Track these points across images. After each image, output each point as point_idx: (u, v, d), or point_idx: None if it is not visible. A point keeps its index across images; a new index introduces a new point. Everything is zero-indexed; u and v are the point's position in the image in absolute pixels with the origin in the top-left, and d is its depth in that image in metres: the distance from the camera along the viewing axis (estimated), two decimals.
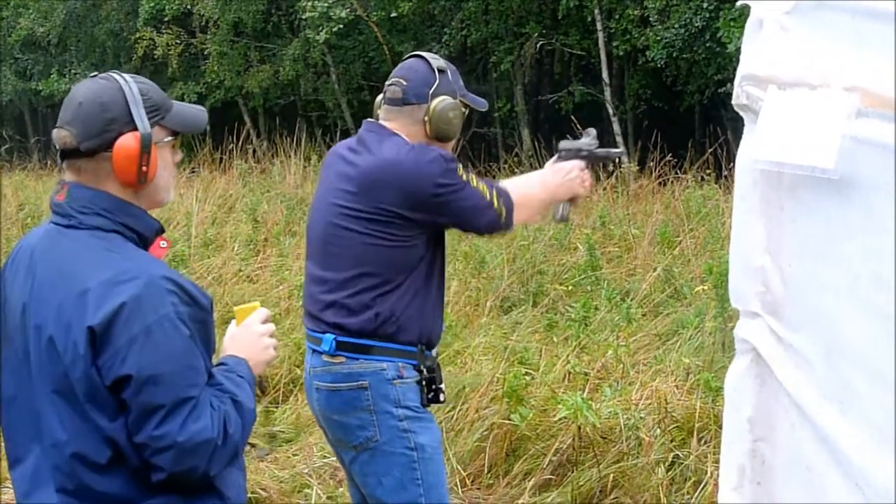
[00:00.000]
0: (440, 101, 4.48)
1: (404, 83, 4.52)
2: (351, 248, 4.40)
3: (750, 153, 3.53)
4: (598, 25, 19.84)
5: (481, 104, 4.82)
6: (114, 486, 3.07)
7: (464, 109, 4.62)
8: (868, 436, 3.39)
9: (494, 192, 4.46)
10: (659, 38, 17.82)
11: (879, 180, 3.23)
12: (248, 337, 3.45)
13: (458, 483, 6.65)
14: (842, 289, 3.39)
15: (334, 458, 6.72)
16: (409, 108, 4.50)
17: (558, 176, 4.74)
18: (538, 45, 21.22)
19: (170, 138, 3.28)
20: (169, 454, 2.99)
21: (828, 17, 3.40)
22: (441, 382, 4.59)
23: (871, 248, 3.27)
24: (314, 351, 4.52)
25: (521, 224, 4.88)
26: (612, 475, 6.52)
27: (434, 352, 4.65)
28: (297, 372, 8.41)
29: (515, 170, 17.51)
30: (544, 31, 21.04)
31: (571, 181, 4.75)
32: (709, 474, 6.18)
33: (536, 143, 19.04)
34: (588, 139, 4.90)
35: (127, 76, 3.24)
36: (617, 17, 19.42)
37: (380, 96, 4.74)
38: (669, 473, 6.50)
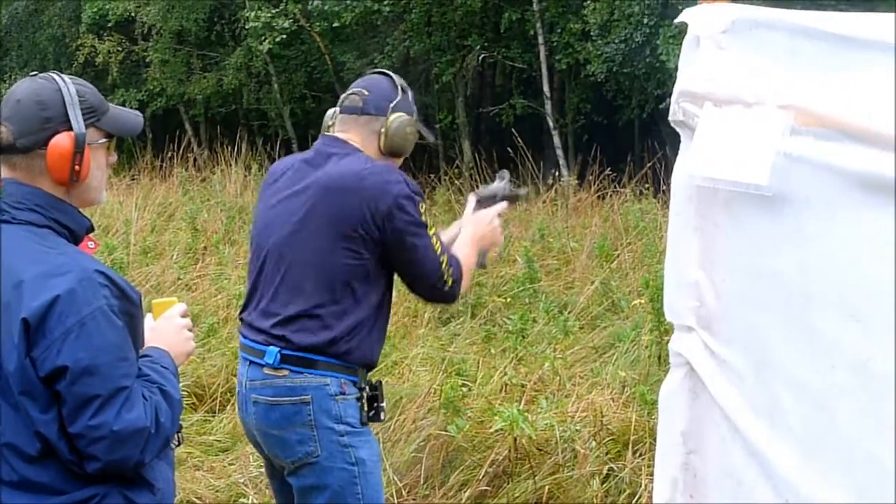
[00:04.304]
0: (399, 117, 4.46)
1: (365, 93, 4.49)
2: (309, 264, 4.34)
3: (685, 169, 3.57)
4: (540, 39, 19.90)
5: (431, 137, 4.95)
6: (47, 477, 3.09)
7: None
8: (795, 450, 3.44)
9: (447, 256, 4.45)
10: (600, 52, 17.89)
11: (812, 197, 3.27)
12: (170, 329, 3.48)
13: (395, 494, 6.64)
14: (773, 304, 3.43)
15: None
16: (365, 118, 4.48)
17: (480, 227, 4.78)
18: (480, 58, 21.27)
19: (104, 140, 3.31)
20: (104, 443, 3.02)
21: (764, 36, 3.45)
22: (383, 401, 4.56)
23: (802, 264, 3.32)
24: (252, 363, 4.43)
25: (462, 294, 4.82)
26: (547, 487, 6.54)
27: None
28: (235, 381, 8.37)
29: (455, 181, 17.54)
30: (486, 44, 21.09)
31: (494, 231, 4.81)
32: (643, 487, 6.21)
33: (477, 156, 19.06)
34: (502, 182, 5.02)
35: (66, 77, 3.27)
36: (559, 30, 19.48)
37: (331, 110, 4.72)
38: (604, 486, 6.53)
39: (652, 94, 18.40)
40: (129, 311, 3.19)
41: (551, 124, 20.18)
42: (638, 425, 6.87)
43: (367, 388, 4.46)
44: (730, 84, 3.45)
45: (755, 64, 3.43)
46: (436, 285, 4.43)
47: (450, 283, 4.41)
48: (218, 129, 23.12)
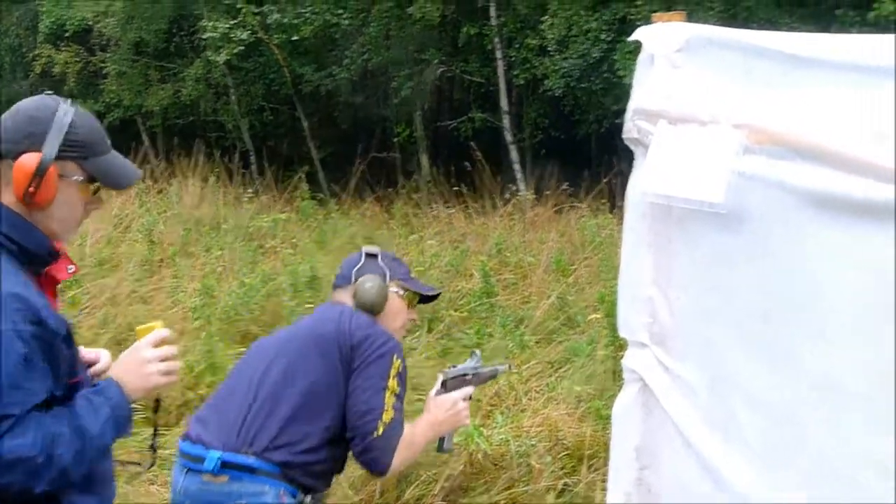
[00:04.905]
0: (362, 279, 4.55)
1: (337, 271, 4.71)
2: (294, 375, 4.32)
3: (639, 186, 3.59)
4: (498, 54, 19.92)
5: (428, 290, 4.86)
6: None
7: (398, 291, 4.64)
8: (749, 463, 3.46)
9: (392, 419, 4.30)
10: (557, 67, 17.95)
11: (766, 215, 3.30)
12: (131, 361, 3.35)
13: None
14: (727, 320, 3.46)
15: None
16: (341, 291, 4.63)
17: (440, 413, 4.61)
18: (438, 72, 21.29)
19: (81, 178, 3.21)
20: None
21: (718, 55, 3.48)
22: None
23: (755, 280, 3.35)
24: (189, 470, 4.27)
25: (403, 467, 4.58)
26: (502, 502, 6.54)
27: None
28: (189, 395, 8.33)
29: (413, 195, 17.55)
30: (445, 58, 21.11)
31: (456, 415, 4.64)
32: (598, 501, 6.23)
33: (435, 169, 19.10)
34: (472, 361, 4.82)
35: (75, 108, 3.23)
36: (517, 46, 19.52)
37: None
38: (559, 500, 6.54)
39: (609, 110, 18.44)
40: (45, 338, 3.07)
41: (509, 139, 20.20)
42: (593, 440, 6.89)
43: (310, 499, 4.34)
44: (684, 102, 3.48)
45: (709, 82, 3.46)
46: (364, 438, 4.26)
47: (379, 431, 4.24)
48: (175, 141, 22.96)
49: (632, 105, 3.63)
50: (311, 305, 10.40)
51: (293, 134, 23.77)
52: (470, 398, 4.72)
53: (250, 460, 4.17)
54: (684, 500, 3.71)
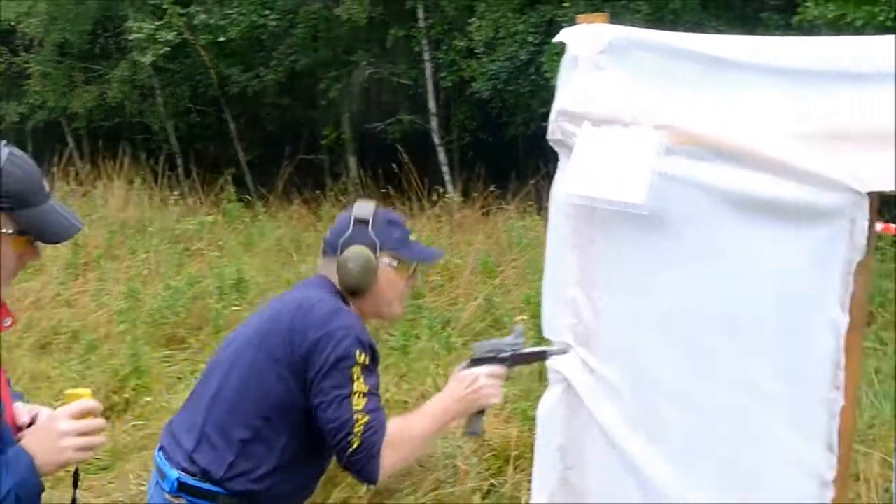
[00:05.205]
0: (347, 251, 4.00)
1: (326, 235, 4.15)
2: (247, 388, 3.90)
3: (563, 187, 3.60)
4: (426, 56, 19.93)
5: (426, 258, 4.26)
6: None
7: (392, 262, 4.03)
8: (671, 464, 3.49)
9: (367, 419, 3.79)
10: (485, 70, 17.97)
11: (687, 216, 3.33)
12: (45, 433, 2.99)
13: None
14: (650, 321, 3.48)
15: None
16: (326, 259, 4.08)
17: (458, 391, 3.95)
18: (367, 74, 21.25)
19: (11, 231, 2.99)
20: None
21: (640, 57, 3.50)
22: None
23: (677, 281, 3.37)
24: (157, 483, 4.01)
25: (401, 465, 4.07)
26: (429, 503, 6.55)
27: None
28: (115, 398, 8.29)
29: (341, 197, 17.51)
30: (373, 60, 21.07)
31: (476, 393, 3.93)
32: (524, 502, 6.25)
33: (363, 171, 19.03)
34: (512, 337, 3.98)
35: (15, 153, 3.03)
36: (444, 48, 19.51)
37: None
38: (485, 501, 6.55)
39: (537, 112, 18.47)
40: None
41: (437, 141, 20.20)
42: (519, 441, 6.90)
43: None
44: (607, 103, 3.49)
45: (631, 84, 3.48)
46: (337, 443, 3.78)
47: (355, 445, 3.75)
48: (100, 143, 22.74)
49: (556, 107, 3.64)
50: (238, 308, 10.38)
51: (220, 136, 23.61)
52: (502, 377, 3.96)
53: (206, 486, 3.87)
54: (608, 500, 3.73)
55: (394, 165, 16.90)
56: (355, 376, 3.79)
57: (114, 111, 24.34)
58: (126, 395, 8.29)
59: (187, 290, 10.92)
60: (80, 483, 3.33)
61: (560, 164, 3.67)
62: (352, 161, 21.50)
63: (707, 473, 3.40)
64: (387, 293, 4.07)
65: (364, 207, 4.11)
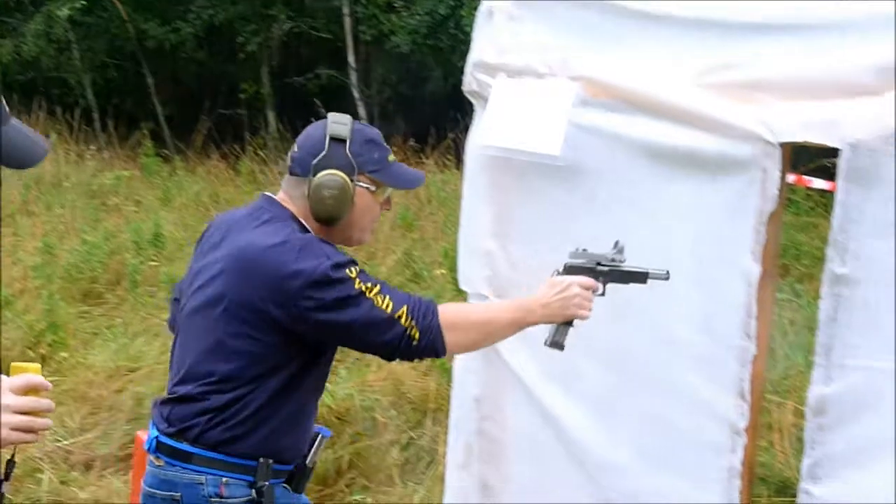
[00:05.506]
0: (321, 177, 3.57)
1: (295, 149, 3.74)
2: (203, 336, 3.61)
3: (479, 139, 3.60)
4: (346, 10, 19.81)
5: (407, 184, 3.69)
6: None
7: (369, 187, 3.56)
8: (590, 413, 3.52)
9: (406, 308, 3.43)
10: (404, 24, 17.91)
11: (602, 167, 3.35)
12: None
13: None
14: None
15: (67, 442, 6.58)
16: (295, 179, 3.66)
17: (549, 293, 3.52)
18: (286, 28, 21.10)
19: None
20: None
21: (555, 8, 3.50)
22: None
23: (594, 232, 3.38)
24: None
25: (466, 349, 3.62)
26: (347, 456, 6.54)
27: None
28: (31, 354, 8.20)
29: (259, 151, 17.40)
30: (292, 14, 20.91)
31: (566, 301, 3.50)
32: (441, 454, 6.27)
33: (282, 126, 18.91)
34: (613, 252, 3.49)
35: None
36: (364, 2, 19.43)
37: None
38: (404, 453, 6.57)
39: (456, 66, 18.42)
40: None
41: (356, 95, 20.12)
42: (437, 394, 6.92)
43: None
44: (522, 55, 3.49)
45: (547, 35, 3.48)
46: (399, 348, 3.45)
47: (416, 336, 3.41)
48: (15, 98, 22.44)
49: (471, 58, 3.64)
50: (156, 263, 10.31)
51: (138, 91, 23.33)
52: (595, 291, 3.48)
53: (182, 445, 3.58)
54: (526, 450, 3.76)
55: (313, 120, 16.70)
56: (361, 289, 3.42)
57: (29, 65, 24.03)
58: (42, 351, 8.20)
59: (104, 245, 10.81)
60: (10, 475, 2.82)
61: (476, 116, 3.67)
62: (271, 116, 21.34)
63: (623, 421, 3.44)
64: (361, 219, 3.65)
65: (340, 124, 3.72)
